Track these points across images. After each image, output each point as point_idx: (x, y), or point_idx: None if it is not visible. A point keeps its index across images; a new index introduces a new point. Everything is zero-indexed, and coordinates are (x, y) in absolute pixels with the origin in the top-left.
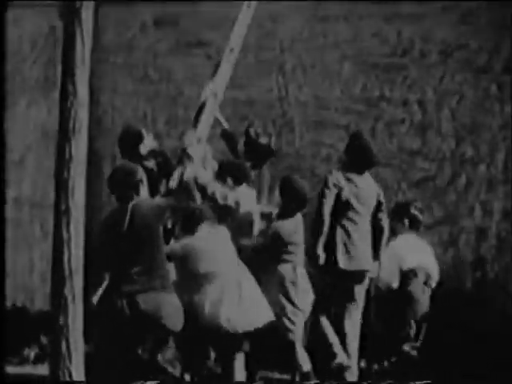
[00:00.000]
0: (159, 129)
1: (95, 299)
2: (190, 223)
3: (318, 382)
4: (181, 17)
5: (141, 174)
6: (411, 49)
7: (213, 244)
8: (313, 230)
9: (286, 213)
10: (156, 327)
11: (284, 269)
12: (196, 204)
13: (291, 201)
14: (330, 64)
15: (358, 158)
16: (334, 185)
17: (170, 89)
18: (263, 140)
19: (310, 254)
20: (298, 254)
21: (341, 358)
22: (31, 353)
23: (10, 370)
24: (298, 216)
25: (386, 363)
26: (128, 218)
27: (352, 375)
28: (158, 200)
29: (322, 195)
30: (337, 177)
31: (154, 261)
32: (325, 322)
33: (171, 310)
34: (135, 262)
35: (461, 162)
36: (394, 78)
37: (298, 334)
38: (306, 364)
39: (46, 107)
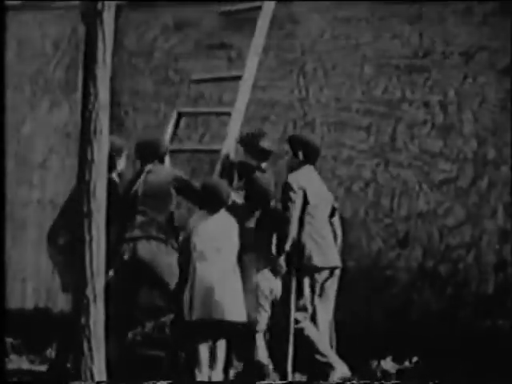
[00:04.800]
0: (179, 131)
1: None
2: (215, 202)
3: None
4: (202, 19)
5: (167, 147)
6: (433, 50)
7: (222, 228)
8: (279, 235)
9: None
10: (151, 275)
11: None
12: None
13: (305, 155)
14: (351, 65)
15: (305, 154)
16: (299, 187)
17: (190, 91)
18: (261, 142)
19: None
20: None
21: (341, 369)
22: (53, 353)
23: (34, 368)
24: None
25: (408, 363)
26: (142, 179)
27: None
28: (176, 171)
29: (288, 200)
30: (298, 179)
31: (161, 216)
32: (310, 327)
33: (167, 260)
34: (142, 216)
35: (483, 164)
36: (416, 80)
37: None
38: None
39: (68, 109)
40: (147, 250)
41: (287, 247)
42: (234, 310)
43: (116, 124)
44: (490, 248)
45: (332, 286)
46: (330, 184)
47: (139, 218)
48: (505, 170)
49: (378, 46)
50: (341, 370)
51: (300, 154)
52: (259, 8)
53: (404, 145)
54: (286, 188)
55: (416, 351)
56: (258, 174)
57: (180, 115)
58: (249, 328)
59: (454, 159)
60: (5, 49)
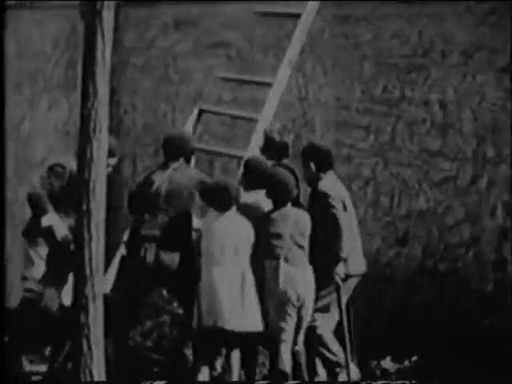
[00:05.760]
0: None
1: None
2: (224, 200)
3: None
4: (201, 18)
5: (194, 146)
6: (432, 49)
7: (236, 228)
8: (327, 246)
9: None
10: (171, 280)
11: (267, 264)
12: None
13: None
14: (350, 64)
15: (319, 162)
16: (337, 197)
17: (190, 89)
18: (279, 138)
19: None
20: (284, 249)
21: (352, 371)
22: (52, 352)
23: (32, 368)
24: (288, 207)
25: (407, 363)
26: (168, 177)
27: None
28: (202, 174)
29: (331, 207)
30: (333, 188)
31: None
32: (323, 326)
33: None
34: (164, 215)
35: (482, 162)
36: (415, 79)
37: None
38: (287, 367)
39: (68, 108)
40: (169, 253)
41: (344, 254)
42: (247, 319)
43: (115, 123)
44: (490, 246)
45: (349, 290)
46: None
47: (161, 218)
48: (504, 168)
49: (377, 44)
50: (352, 371)
51: (312, 164)
52: (297, 15)
53: (403, 143)
54: (321, 197)
55: (416, 350)
56: (277, 169)
57: (201, 112)
58: (273, 337)
59: (454, 158)
60: (4, 48)
